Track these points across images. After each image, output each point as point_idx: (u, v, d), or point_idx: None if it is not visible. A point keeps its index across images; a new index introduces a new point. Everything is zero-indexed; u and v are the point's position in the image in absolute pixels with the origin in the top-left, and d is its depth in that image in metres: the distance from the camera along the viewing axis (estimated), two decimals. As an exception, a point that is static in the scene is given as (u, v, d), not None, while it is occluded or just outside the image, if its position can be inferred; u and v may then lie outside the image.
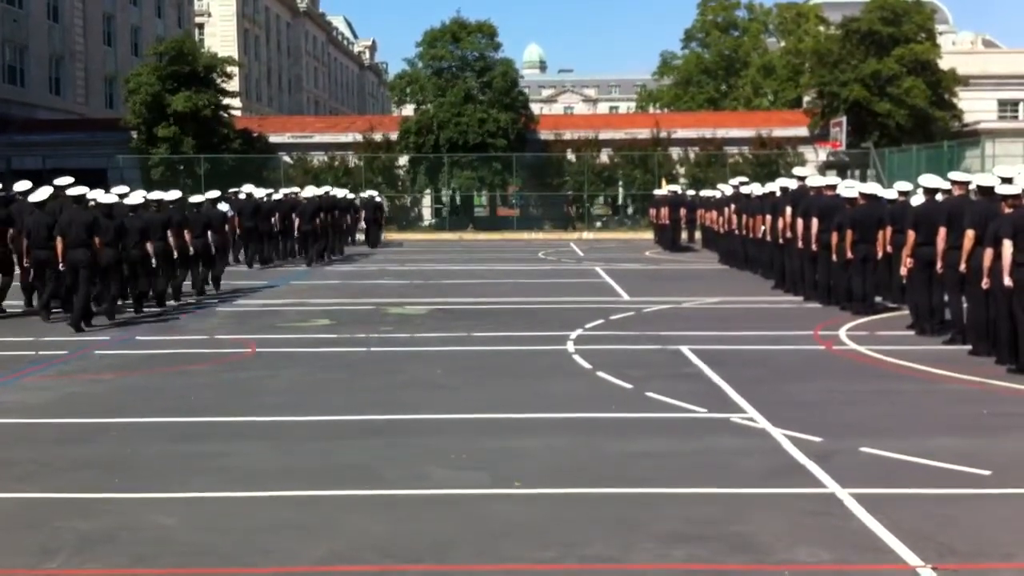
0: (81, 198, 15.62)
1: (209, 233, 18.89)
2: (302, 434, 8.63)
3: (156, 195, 18.59)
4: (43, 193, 16.00)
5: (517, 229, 45.06)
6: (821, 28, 52.32)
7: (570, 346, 12.95)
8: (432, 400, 9.89)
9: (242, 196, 26.48)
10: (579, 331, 14.22)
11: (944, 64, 43.01)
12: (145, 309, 16.85)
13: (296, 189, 30.50)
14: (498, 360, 12.22)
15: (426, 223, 47.50)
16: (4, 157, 45.73)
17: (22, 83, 49.18)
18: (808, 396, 9.90)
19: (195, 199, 20.21)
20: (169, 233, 17.18)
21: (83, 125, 49.06)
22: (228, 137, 44.75)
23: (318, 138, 48.37)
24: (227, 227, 21.36)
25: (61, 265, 14.94)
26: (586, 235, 43.21)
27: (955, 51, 48.36)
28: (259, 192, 27.67)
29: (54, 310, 16.09)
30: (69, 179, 17.10)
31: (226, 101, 46.07)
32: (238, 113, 50.68)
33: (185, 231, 17.83)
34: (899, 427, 8.63)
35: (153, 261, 16.58)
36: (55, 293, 15.87)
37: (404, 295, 19.48)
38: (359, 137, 47.21)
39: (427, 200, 48.05)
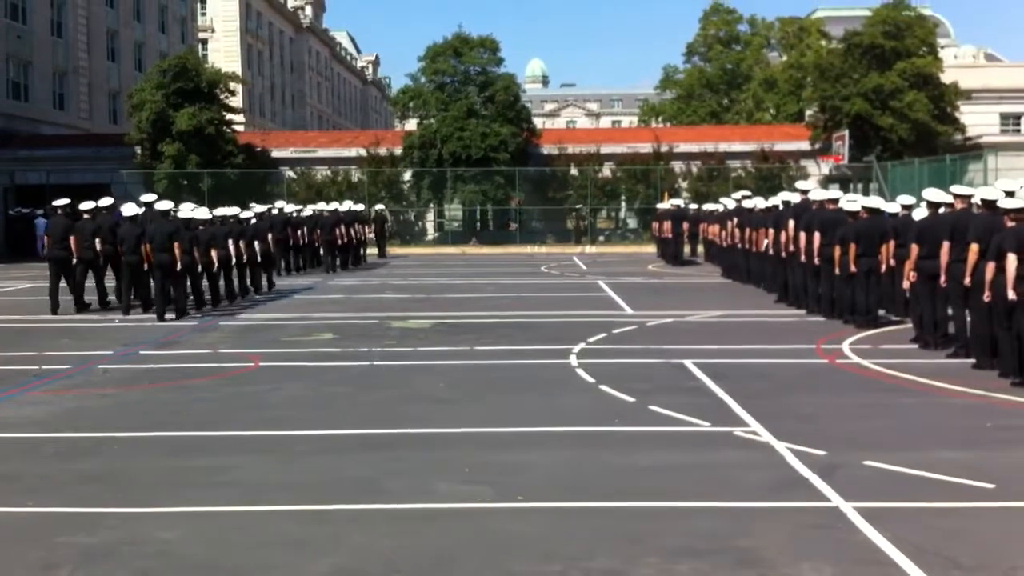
0: (167, 212, 18.81)
1: (256, 242, 21.56)
2: (305, 448, 8.62)
3: (220, 211, 21.10)
4: (133, 208, 19.26)
5: (520, 243, 45.09)
6: (823, 42, 52.43)
7: (573, 360, 12.94)
8: (435, 414, 9.89)
9: (275, 211, 28.40)
10: (582, 345, 14.21)
11: (946, 78, 43.07)
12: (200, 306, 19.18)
13: (322, 205, 32.65)
14: (501, 374, 12.21)
15: (429, 237, 47.57)
16: (8, 172, 45.85)
17: (26, 98, 49.31)
18: (811, 409, 9.88)
19: (245, 214, 22.87)
20: (230, 242, 19.94)
21: (87, 140, 49.15)
22: (231, 152, 44.85)
23: (321, 153, 48.46)
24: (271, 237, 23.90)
25: (147, 266, 18.08)
26: (589, 249, 43.24)
27: (957, 65, 48.39)
28: (289, 207, 30.44)
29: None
30: (153, 196, 21.47)
31: (229, 116, 46.21)
32: (241, 128, 50.80)
33: (242, 241, 20.58)
34: (903, 440, 8.61)
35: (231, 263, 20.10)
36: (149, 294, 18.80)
37: (407, 309, 19.49)
38: (362, 152, 47.32)
39: (430, 214, 48.13)
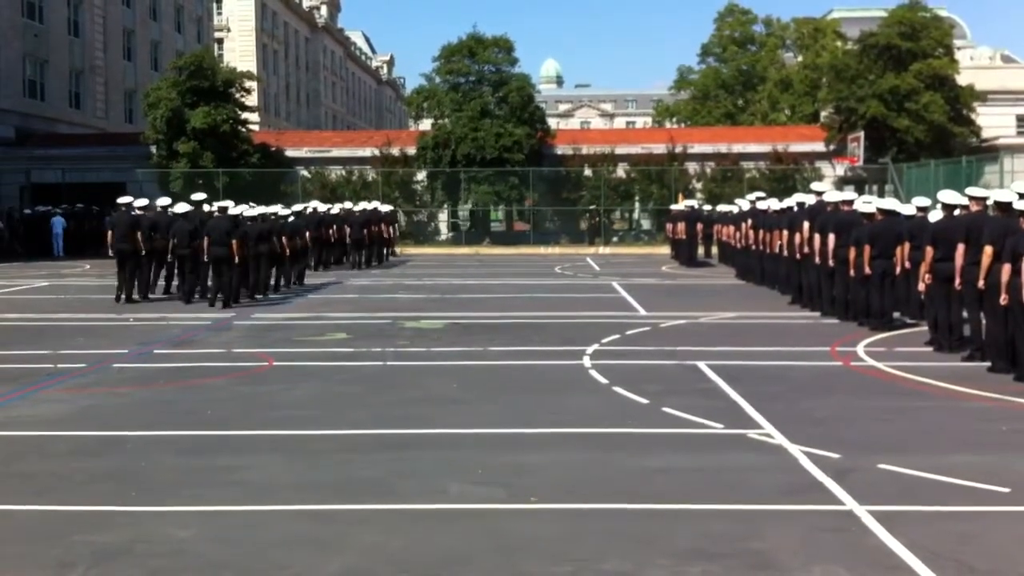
0: (225, 209, 20.55)
1: (296, 239, 23.82)
2: (318, 448, 8.64)
3: (260, 209, 22.60)
4: (186, 207, 21.40)
5: (533, 244, 45.05)
6: (839, 43, 52.26)
7: (586, 361, 12.94)
8: (448, 415, 9.90)
9: (308, 210, 29.75)
10: (595, 346, 14.20)
11: (962, 79, 42.86)
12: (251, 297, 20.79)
13: (349, 204, 34.24)
14: (514, 375, 12.21)
15: (443, 237, 47.59)
16: (24, 170, 46.08)
17: (42, 97, 49.53)
18: (825, 412, 9.86)
19: (283, 212, 24.78)
20: (274, 238, 21.89)
21: (103, 139, 49.32)
22: (246, 151, 44.93)
23: (336, 152, 48.49)
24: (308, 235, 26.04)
25: (206, 258, 19.64)
26: (602, 250, 43.18)
27: (973, 66, 48.10)
28: (322, 207, 31.90)
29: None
30: (203, 195, 23.09)
31: (244, 115, 46.30)
32: (256, 127, 50.91)
33: (284, 237, 22.62)
34: (917, 444, 8.58)
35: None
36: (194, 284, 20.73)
37: (420, 309, 19.50)
38: (377, 152, 47.34)
39: (444, 215, 48.13)
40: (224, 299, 19.46)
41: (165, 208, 21.98)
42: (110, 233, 21.08)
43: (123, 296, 20.53)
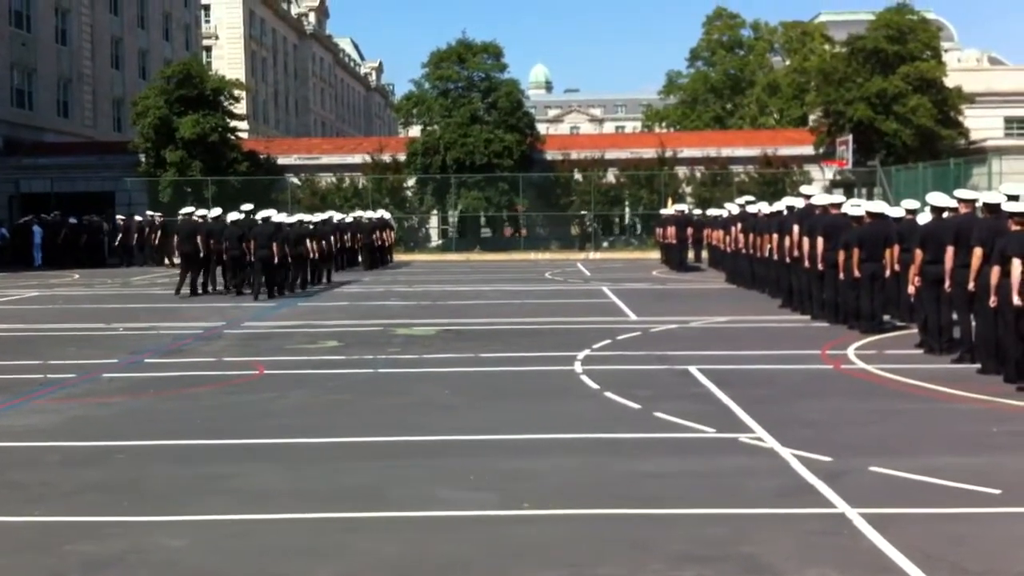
0: (268, 218, 23.81)
1: (323, 242, 27.80)
2: (310, 456, 8.62)
3: (297, 216, 27.35)
4: (235, 215, 25.10)
5: (524, 249, 45.06)
6: (826, 46, 52.43)
7: (577, 366, 12.94)
8: (440, 421, 9.89)
9: (325, 218, 32.65)
10: (586, 351, 14.21)
11: (950, 82, 43.00)
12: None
13: (360, 213, 38.10)
14: (506, 381, 12.21)
15: (433, 244, 47.55)
16: (12, 180, 45.96)
17: (30, 106, 49.41)
18: (817, 415, 9.87)
19: (314, 219, 29.14)
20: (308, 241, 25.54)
21: (91, 148, 49.22)
22: (235, 159, 44.86)
23: (325, 159, 48.42)
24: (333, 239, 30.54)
25: (252, 258, 23.07)
26: (593, 255, 43.22)
27: (961, 68, 48.29)
28: (337, 216, 35.05)
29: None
30: (250, 205, 26.95)
31: (233, 123, 46.20)
32: (245, 135, 50.84)
33: (313, 241, 26.11)
34: (908, 446, 8.60)
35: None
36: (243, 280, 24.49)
37: (412, 316, 19.49)
38: (367, 158, 47.28)
39: (434, 221, 48.11)
40: (268, 292, 22.96)
41: (219, 216, 25.41)
42: (175, 237, 25.97)
43: (184, 290, 24.18)
